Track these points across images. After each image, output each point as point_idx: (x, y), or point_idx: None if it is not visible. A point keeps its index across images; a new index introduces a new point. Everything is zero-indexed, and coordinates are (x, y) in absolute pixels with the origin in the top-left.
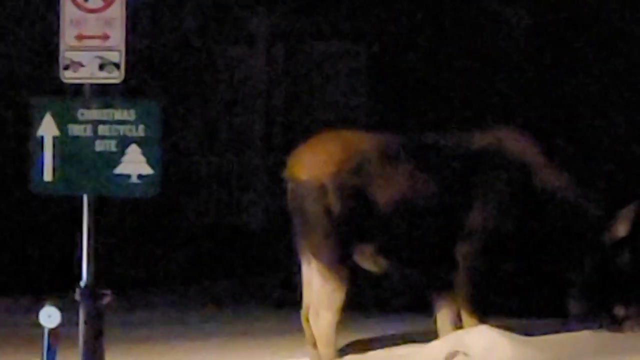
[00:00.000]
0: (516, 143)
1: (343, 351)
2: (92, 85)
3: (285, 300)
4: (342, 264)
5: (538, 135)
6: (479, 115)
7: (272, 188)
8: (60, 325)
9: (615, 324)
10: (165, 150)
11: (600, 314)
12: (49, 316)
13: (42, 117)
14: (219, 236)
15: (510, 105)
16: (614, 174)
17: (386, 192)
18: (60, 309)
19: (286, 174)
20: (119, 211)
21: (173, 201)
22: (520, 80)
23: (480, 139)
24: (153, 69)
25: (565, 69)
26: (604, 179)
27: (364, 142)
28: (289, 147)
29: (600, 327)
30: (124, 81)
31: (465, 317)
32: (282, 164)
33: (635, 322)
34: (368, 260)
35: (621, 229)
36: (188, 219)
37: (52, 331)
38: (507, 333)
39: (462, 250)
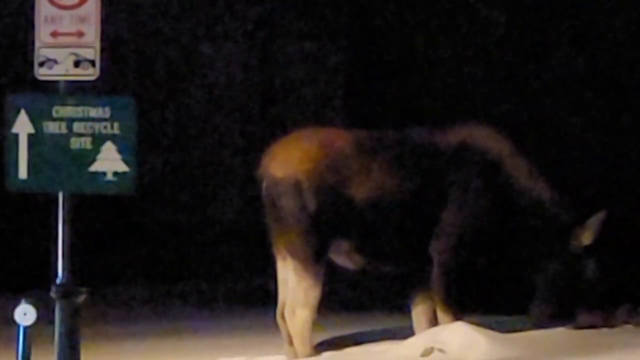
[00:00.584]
0: (489, 140)
1: (319, 348)
2: (66, 82)
3: (261, 297)
4: (317, 261)
5: (512, 133)
6: (453, 112)
7: (248, 185)
8: (36, 323)
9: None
10: (140, 147)
11: (561, 319)
12: (25, 314)
13: (16, 115)
14: (193, 234)
15: (485, 102)
16: (585, 176)
17: (361, 188)
18: (36, 307)
19: (261, 171)
20: (95, 208)
21: (148, 198)
22: (494, 78)
23: (454, 136)
24: (128, 65)
25: (540, 67)
26: (575, 181)
27: (339, 139)
28: (264, 144)
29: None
30: (99, 78)
31: (441, 313)
32: (258, 161)
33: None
34: (344, 257)
35: (586, 237)
36: (163, 217)
37: (27, 329)
38: (483, 329)
39: (436, 247)
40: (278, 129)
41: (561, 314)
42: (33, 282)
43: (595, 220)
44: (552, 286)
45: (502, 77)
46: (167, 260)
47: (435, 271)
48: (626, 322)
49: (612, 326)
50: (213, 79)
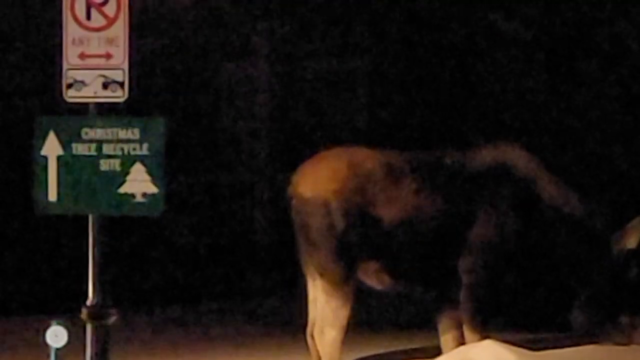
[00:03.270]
0: (520, 159)
1: None
2: (96, 104)
3: (291, 317)
4: (346, 281)
5: (540, 149)
6: (482, 131)
7: (276, 206)
8: (67, 344)
9: (624, 336)
10: (169, 168)
11: (605, 326)
12: (56, 336)
13: (45, 137)
14: (224, 255)
15: (512, 119)
16: (616, 186)
17: (390, 209)
18: (67, 329)
19: (290, 191)
20: (125, 230)
21: (176, 219)
22: (521, 95)
23: (484, 155)
24: (156, 86)
25: (566, 84)
26: (606, 192)
27: (368, 159)
28: (291, 164)
29: (607, 338)
30: (128, 99)
31: (468, 332)
32: (286, 182)
33: None
34: (372, 277)
35: (630, 242)
36: (191, 237)
37: (58, 351)
38: (512, 347)
39: (465, 266)
40: (305, 148)
41: (605, 320)
42: (64, 304)
43: (637, 224)
44: (597, 294)
45: (529, 94)
46: (196, 280)
47: (464, 290)
48: None
49: None
50: (239, 98)
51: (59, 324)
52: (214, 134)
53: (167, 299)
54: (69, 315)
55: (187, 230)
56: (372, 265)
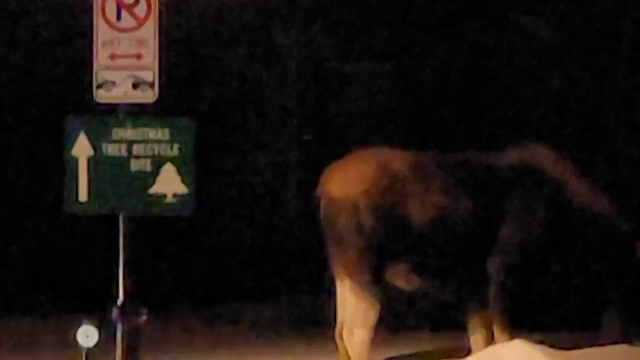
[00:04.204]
0: (548, 160)
1: None
2: (126, 104)
3: (320, 318)
4: (375, 282)
5: (568, 150)
6: (509, 132)
7: (306, 207)
8: (98, 344)
9: None
10: (200, 169)
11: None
12: (87, 336)
13: (76, 137)
14: (254, 256)
15: (540, 121)
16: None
17: (419, 210)
18: (98, 328)
19: (319, 191)
20: (154, 230)
21: (208, 220)
22: (549, 96)
23: (513, 157)
24: (186, 88)
25: (594, 85)
26: (634, 193)
27: (397, 160)
28: (321, 166)
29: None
30: (158, 100)
31: (498, 332)
32: (316, 183)
33: None
34: (401, 279)
35: None
36: (223, 238)
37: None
38: (542, 347)
39: (495, 266)
40: (333, 150)
41: (636, 325)
42: (95, 304)
43: None
44: (626, 297)
45: (557, 95)
46: (224, 282)
47: (493, 290)
48: None
49: None
50: (268, 100)
51: (89, 323)
52: (242, 135)
53: (196, 299)
54: (99, 315)
55: (218, 231)
56: (402, 266)
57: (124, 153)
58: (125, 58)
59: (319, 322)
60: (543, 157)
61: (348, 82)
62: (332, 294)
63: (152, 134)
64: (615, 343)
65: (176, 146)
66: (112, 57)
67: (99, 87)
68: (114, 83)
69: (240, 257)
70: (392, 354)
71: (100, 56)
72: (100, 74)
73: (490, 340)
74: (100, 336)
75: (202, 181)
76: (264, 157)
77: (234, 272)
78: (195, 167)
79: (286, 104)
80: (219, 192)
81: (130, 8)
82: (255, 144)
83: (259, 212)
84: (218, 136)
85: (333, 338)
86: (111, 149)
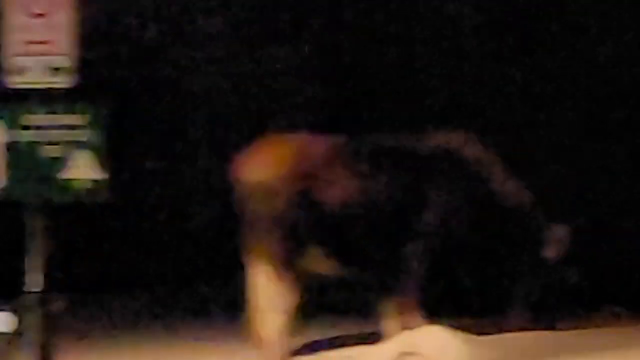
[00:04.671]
0: (469, 146)
1: (292, 353)
2: (39, 90)
3: (233, 303)
4: (291, 266)
5: (489, 137)
6: (431, 116)
7: (221, 192)
8: (15, 331)
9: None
10: (116, 155)
11: (540, 324)
12: (4, 322)
13: None
14: (169, 242)
15: (461, 106)
16: (564, 180)
17: (337, 194)
18: (16, 315)
19: (235, 176)
20: (70, 216)
21: (124, 206)
22: (471, 81)
23: (434, 142)
24: (108, 72)
25: (516, 69)
26: (555, 183)
27: (314, 144)
28: (237, 150)
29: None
30: (73, 86)
31: (413, 317)
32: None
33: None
34: (317, 264)
35: (552, 252)
36: (137, 225)
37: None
38: (458, 332)
39: (411, 252)
40: (255, 134)
41: (540, 319)
42: (14, 291)
43: (557, 233)
44: (531, 291)
45: (479, 80)
46: (144, 267)
47: (408, 275)
48: (603, 325)
49: (590, 327)
50: (190, 85)
51: (5, 310)
52: (158, 121)
53: (111, 286)
54: (17, 301)
55: (133, 218)
56: (317, 251)
57: (38, 139)
58: (40, 44)
59: (234, 307)
60: (463, 142)
61: (266, 66)
62: (246, 279)
63: (66, 119)
64: (526, 329)
65: (90, 132)
66: (26, 42)
67: (13, 72)
68: (27, 68)
69: (155, 244)
70: (306, 339)
71: (13, 41)
72: (14, 59)
73: (405, 325)
74: (18, 323)
75: (116, 167)
76: (180, 143)
77: (149, 258)
78: (109, 153)
79: (205, 89)
80: (134, 179)
81: None
82: (171, 129)
83: (174, 197)
84: (132, 122)
85: (247, 323)
86: (25, 135)
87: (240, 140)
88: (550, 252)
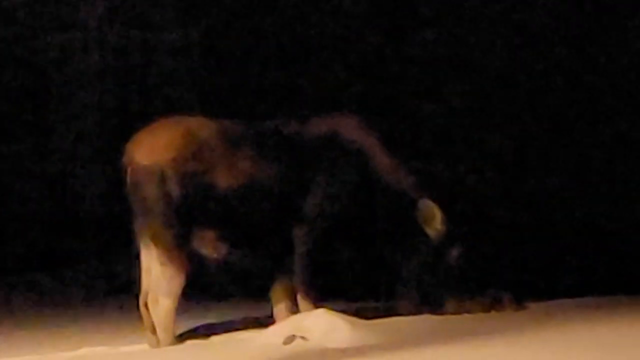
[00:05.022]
0: (355, 130)
1: (182, 337)
2: None
3: (123, 286)
4: (181, 249)
5: (374, 121)
6: (313, 102)
7: (107, 175)
8: None
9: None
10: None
11: (428, 308)
12: None
13: None
14: (51, 223)
15: (345, 91)
16: (447, 161)
17: (226, 177)
18: None
19: (126, 158)
20: None
21: (5, 187)
22: (355, 66)
23: (319, 126)
24: None
25: (398, 53)
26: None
27: (204, 127)
28: (123, 134)
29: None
30: None
31: (302, 301)
32: (116, 151)
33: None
34: (208, 246)
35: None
36: (23, 205)
37: None
38: (345, 316)
39: (299, 235)
40: (136, 118)
41: (427, 303)
42: None
43: (427, 209)
44: (416, 275)
45: (363, 64)
46: (21, 250)
47: (297, 259)
48: (492, 309)
49: (481, 312)
50: (68, 67)
51: None
52: (43, 100)
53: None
54: None
55: (15, 197)
56: (208, 234)
57: None
58: None
59: (124, 290)
60: (348, 126)
61: (152, 50)
62: (137, 263)
63: None
64: (413, 313)
65: None
66: None
67: None
68: None
69: (40, 225)
70: (196, 322)
71: None
72: None
73: (294, 310)
74: None
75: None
76: (66, 122)
77: (35, 240)
78: None
79: (90, 70)
80: (19, 159)
81: None
82: (56, 108)
83: (60, 178)
84: (16, 98)
85: (136, 307)
86: None
87: (126, 125)
88: (434, 237)
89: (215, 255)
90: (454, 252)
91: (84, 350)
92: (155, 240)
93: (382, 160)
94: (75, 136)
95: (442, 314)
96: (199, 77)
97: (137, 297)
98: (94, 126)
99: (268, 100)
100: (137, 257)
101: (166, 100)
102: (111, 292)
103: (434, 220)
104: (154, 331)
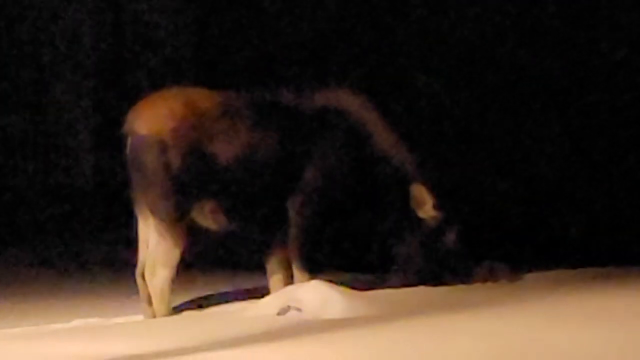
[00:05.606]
0: (354, 104)
1: (178, 308)
2: None
3: (117, 257)
4: (180, 220)
5: (374, 96)
6: (315, 74)
7: (102, 147)
8: None
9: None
10: None
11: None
12: None
13: None
14: (45, 195)
15: (344, 64)
16: (444, 139)
17: (226, 147)
18: None
19: (126, 129)
20: None
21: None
22: (352, 38)
23: (318, 98)
24: None
25: (393, 27)
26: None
27: (204, 98)
28: (118, 104)
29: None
30: None
31: (297, 273)
32: (112, 121)
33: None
34: (207, 217)
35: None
36: (15, 179)
37: None
38: (339, 287)
39: (295, 207)
40: (131, 88)
41: (422, 281)
42: None
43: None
44: (411, 255)
45: (359, 37)
46: (17, 221)
47: (292, 230)
48: (486, 280)
49: (474, 282)
50: (63, 38)
51: None
52: (37, 72)
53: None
54: None
55: (14, 172)
56: (207, 205)
57: None
58: None
59: (119, 262)
60: (347, 100)
61: (147, 22)
62: (134, 234)
63: None
64: (409, 285)
65: None
66: None
67: None
68: None
69: (34, 198)
70: (193, 294)
71: None
72: None
73: (289, 281)
74: None
75: None
76: (60, 94)
77: (23, 212)
78: None
79: (83, 42)
80: (14, 131)
81: None
82: (50, 81)
83: (54, 151)
84: (11, 72)
85: (131, 278)
86: None
87: (119, 95)
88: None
89: (214, 226)
90: (451, 235)
91: (76, 322)
92: (154, 211)
93: (382, 136)
94: (68, 107)
95: (438, 285)
96: (188, 45)
97: (131, 269)
98: (87, 96)
99: (269, 72)
100: (134, 228)
101: (160, 71)
102: (105, 263)
103: (425, 205)
104: (149, 302)
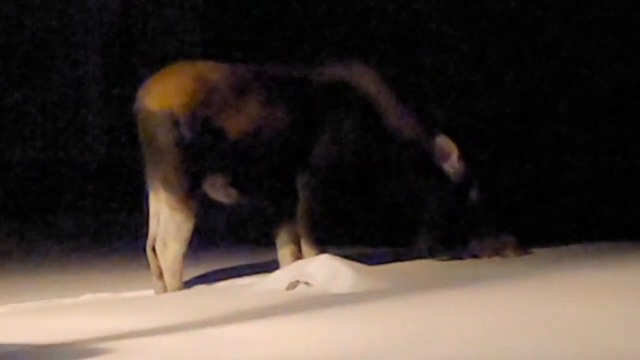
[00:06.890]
0: (364, 78)
1: (189, 282)
2: None
3: (128, 232)
4: (191, 194)
5: (387, 70)
6: (325, 48)
7: (112, 123)
8: None
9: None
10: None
11: (450, 249)
12: None
13: None
14: (58, 170)
15: (354, 37)
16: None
17: (237, 122)
18: None
19: (137, 104)
20: None
21: (11, 135)
22: (366, 11)
23: (329, 72)
24: None
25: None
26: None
27: (215, 72)
28: (128, 79)
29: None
30: None
31: (306, 247)
32: (122, 98)
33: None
34: (219, 192)
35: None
36: (28, 153)
37: None
38: (349, 262)
39: (304, 181)
40: (142, 64)
41: (449, 244)
42: None
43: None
44: (435, 218)
45: (373, 11)
46: (30, 196)
47: (302, 205)
48: (497, 254)
49: (503, 256)
50: (72, 18)
51: None
52: (44, 46)
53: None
54: None
55: (24, 146)
56: (219, 179)
57: None
58: None
59: (135, 236)
60: (358, 72)
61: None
62: (142, 207)
63: None
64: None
65: None
66: None
67: None
68: None
69: (46, 172)
70: (206, 268)
71: None
72: None
73: (299, 255)
74: None
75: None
76: (68, 69)
77: (37, 187)
78: None
79: (94, 18)
80: (25, 108)
81: None
82: (58, 55)
83: (64, 128)
84: (17, 46)
85: (142, 252)
86: None
87: (129, 70)
88: (453, 175)
89: (226, 201)
90: (474, 193)
91: (87, 297)
92: (166, 185)
93: (392, 109)
94: (76, 82)
95: (472, 256)
96: (205, 21)
97: (142, 243)
98: (96, 70)
99: (279, 46)
100: (149, 202)
101: (171, 47)
102: (116, 238)
103: (453, 154)
104: (160, 277)
